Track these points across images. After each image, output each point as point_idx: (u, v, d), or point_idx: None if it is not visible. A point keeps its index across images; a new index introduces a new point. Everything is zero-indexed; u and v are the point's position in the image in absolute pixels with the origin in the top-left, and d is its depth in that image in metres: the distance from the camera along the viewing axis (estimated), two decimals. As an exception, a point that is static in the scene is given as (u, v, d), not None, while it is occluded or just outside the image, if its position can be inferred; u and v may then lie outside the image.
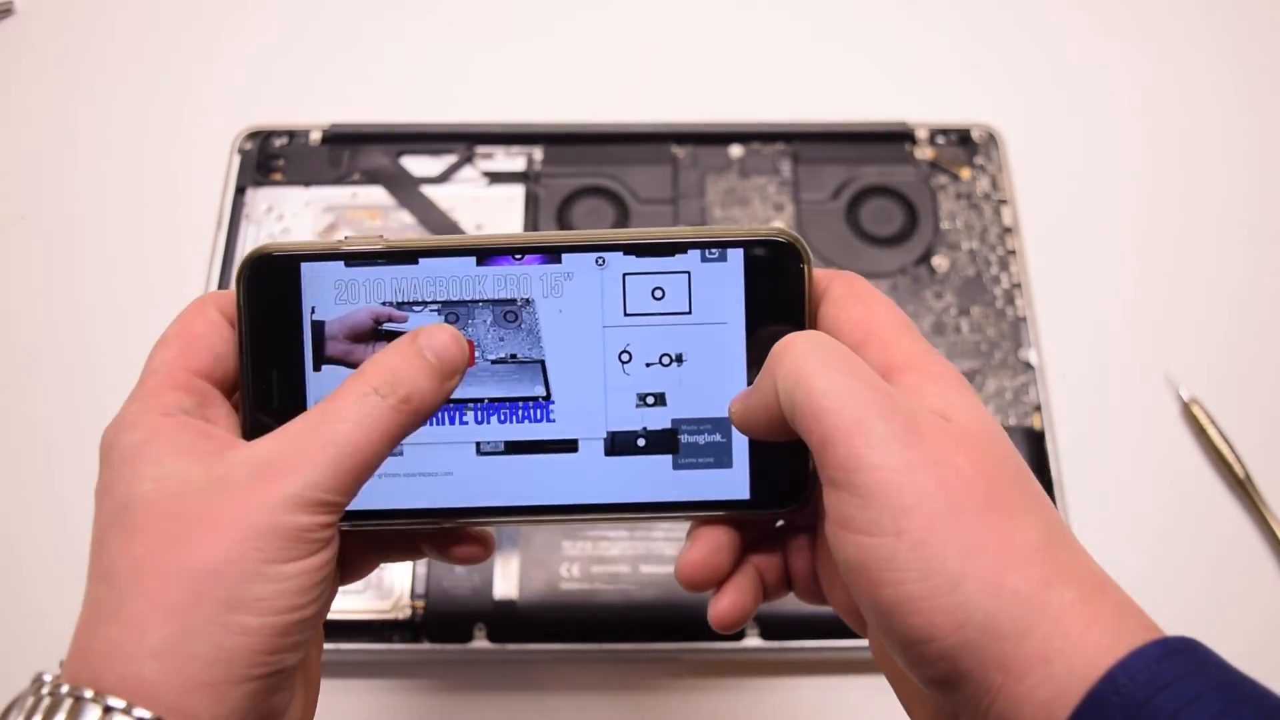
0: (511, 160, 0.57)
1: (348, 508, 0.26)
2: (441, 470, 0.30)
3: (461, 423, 0.30)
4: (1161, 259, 0.57)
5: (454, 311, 0.30)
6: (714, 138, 0.57)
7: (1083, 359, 0.54)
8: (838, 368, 0.25)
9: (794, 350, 0.26)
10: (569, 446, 0.30)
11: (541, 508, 0.30)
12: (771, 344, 0.27)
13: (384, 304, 0.30)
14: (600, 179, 0.56)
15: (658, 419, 0.30)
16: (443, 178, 0.56)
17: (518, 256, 0.30)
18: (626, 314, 0.30)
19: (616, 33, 0.64)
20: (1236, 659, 0.23)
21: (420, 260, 0.30)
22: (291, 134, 0.57)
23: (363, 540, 0.32)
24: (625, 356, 0.30)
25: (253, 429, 0.29)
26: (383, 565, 0.40)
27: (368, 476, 0.26)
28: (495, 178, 0.56)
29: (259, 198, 0.55)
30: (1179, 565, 0.50)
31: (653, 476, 0.30)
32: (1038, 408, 0.51)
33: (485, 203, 0.56)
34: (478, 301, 0.30)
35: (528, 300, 0.30)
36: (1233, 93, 0.62)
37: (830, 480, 0.25)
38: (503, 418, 0.30)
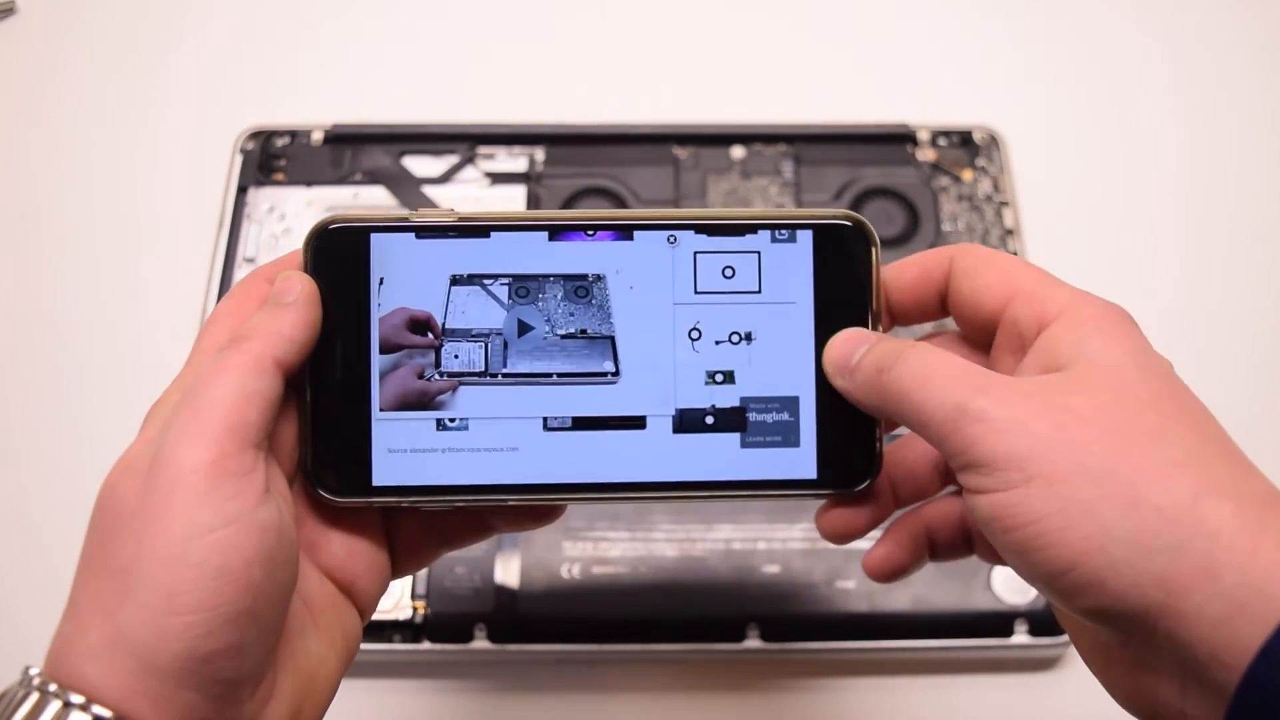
0: (513, 161, 0.57)
1: (409, 483, 0.28)
2: (507, 445, 0.30)
3: (529, 397, 0.30)
4: (1163, 261, 0.57)
5: (524, 285, 0.30)
6: (716, 139, 0.57)
7: (1084, 361, 0.54)
8: (921, 370, 0.26)
9: (893, 373, 0.27)
10: (637, 423, 0.30)
11: (608, 485, 0.30)
12: (839, 323, 0.29)
13: (453, 276, 0.30)
14: (602, 180, 0.56)
15: (726, 397, 0.30)
16: (444, 178, 0.56)
17: (590, 233, 0.30)
18: (697, 291, 0.30)
19: (618, 33, 0.64)
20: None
21: (492, 234, 0.30)
22: (293, 134, 0.57)
23: (423, 526, 0.31)
24: (695, 334, 0.30)
25: (314, 402, 0.29)
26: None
27: (253, 432, 0.25)
28: (497, 178, 0.56)
29: (261, 197, 0.55)
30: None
31: (720, 454, 0.30)
32: (1039, 410, 0.51)
33: (487, 203, 0.56)
34: (549, 276, 0.30)
35: (599, 276, 0.30)
36: (1233, 94, 0.62)
37: (955, 467, 0.25)
38: (571, 393, 0.30)
